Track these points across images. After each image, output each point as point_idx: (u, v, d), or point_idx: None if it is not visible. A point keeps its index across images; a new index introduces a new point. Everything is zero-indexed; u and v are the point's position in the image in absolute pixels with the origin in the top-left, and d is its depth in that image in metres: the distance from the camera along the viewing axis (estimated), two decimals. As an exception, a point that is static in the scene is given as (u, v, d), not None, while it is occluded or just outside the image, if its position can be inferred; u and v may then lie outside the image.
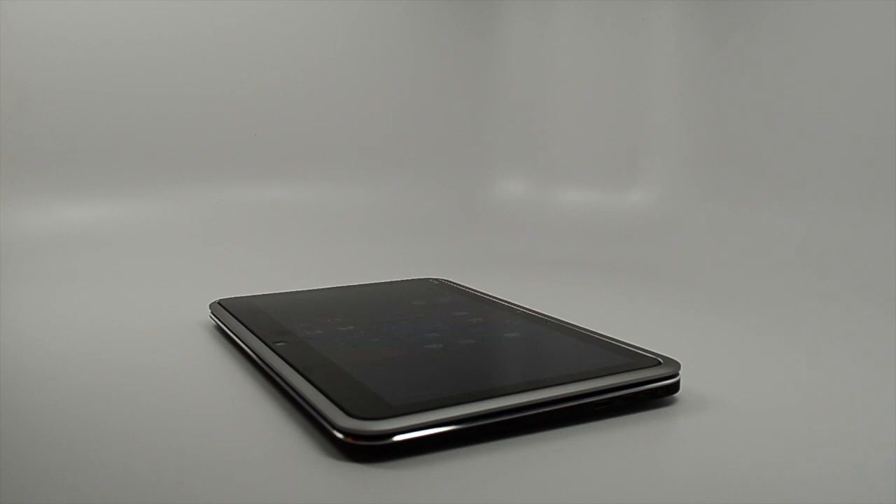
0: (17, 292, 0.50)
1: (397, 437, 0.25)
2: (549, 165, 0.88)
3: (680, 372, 0.30)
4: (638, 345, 0.33)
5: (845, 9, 0.66)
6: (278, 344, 0.34)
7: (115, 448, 0.26)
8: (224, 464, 0.24)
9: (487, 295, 0.44)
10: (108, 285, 0.53)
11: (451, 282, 0.48)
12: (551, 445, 0.26)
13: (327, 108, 0.84)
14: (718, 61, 0.79)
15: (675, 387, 0.30)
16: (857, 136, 0.66)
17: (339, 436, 0.25)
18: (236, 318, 0.38)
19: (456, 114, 0.91)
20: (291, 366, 0.31)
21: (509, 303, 0.42)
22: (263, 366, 0.33)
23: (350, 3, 0.85)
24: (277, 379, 0.31)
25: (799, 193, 0.68)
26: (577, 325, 0.37)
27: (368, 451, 0.25)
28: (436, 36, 0.91)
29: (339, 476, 0.24)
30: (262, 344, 0.34)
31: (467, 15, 0.91)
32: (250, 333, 0.36)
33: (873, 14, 0.64)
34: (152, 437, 0.27)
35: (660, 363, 0.30)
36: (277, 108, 0.82)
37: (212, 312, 0.41)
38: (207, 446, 0.26)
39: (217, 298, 0.47)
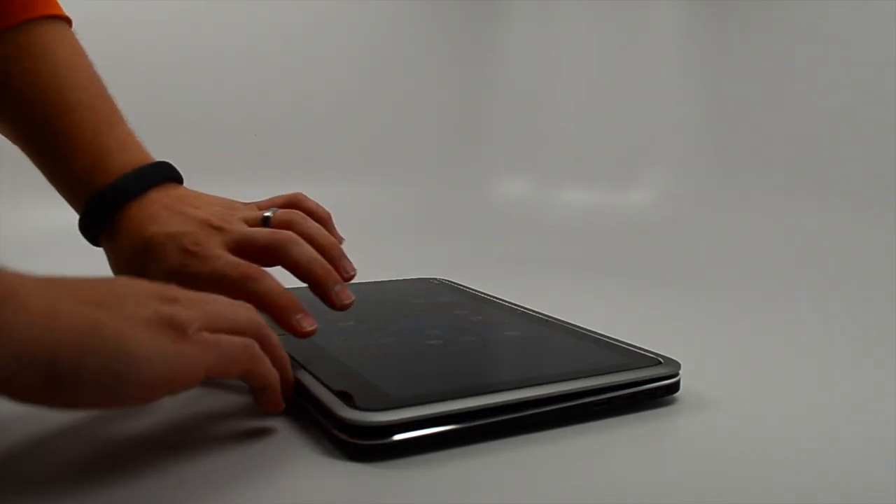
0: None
1: (397, 437, 0.25)
2: (550, 165, 0.88)
3: (680, 372, 0.30)
4: (638, 345, 0.33)
5: (846, 9, 0.66)
6: (279, 338, 0.33)
7: (116, 447, 0.26)
8: (225, 464, 0.24)
9: (487, 294, 0.44)
10: (108, 285, 0.52)
11: (451, 281, 0.48)
12: (552, 445, 0.26)
13: (328, 108, 0.84)
14: (718, 61, 0.79)
15: (675, 387, 0.30)
16: (857, 137, 0.66)
17: (342, 436, 0.25)
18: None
19: (457, 114, 0.91)
20: (293, 358, 0.30)
21: (509, 302, 0.42)
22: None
23: (351, 5, 0.85)
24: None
25: (799, 193, 0.68)
26: (577, 324, 0.36)
27: (371, 441, 0.25)
28: (436, 36, 0.91)
29: (339, 476, 0.24)
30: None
31: (468, 15, 0.91)
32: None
33: (873, 14, 0.64)
34: (152, 437, 0.27)
35: (660, 363, 0.30)
36: (277, 108, 0.82)
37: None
38: (208, 446, 0.26)
39: (217, 298, 0.47)
